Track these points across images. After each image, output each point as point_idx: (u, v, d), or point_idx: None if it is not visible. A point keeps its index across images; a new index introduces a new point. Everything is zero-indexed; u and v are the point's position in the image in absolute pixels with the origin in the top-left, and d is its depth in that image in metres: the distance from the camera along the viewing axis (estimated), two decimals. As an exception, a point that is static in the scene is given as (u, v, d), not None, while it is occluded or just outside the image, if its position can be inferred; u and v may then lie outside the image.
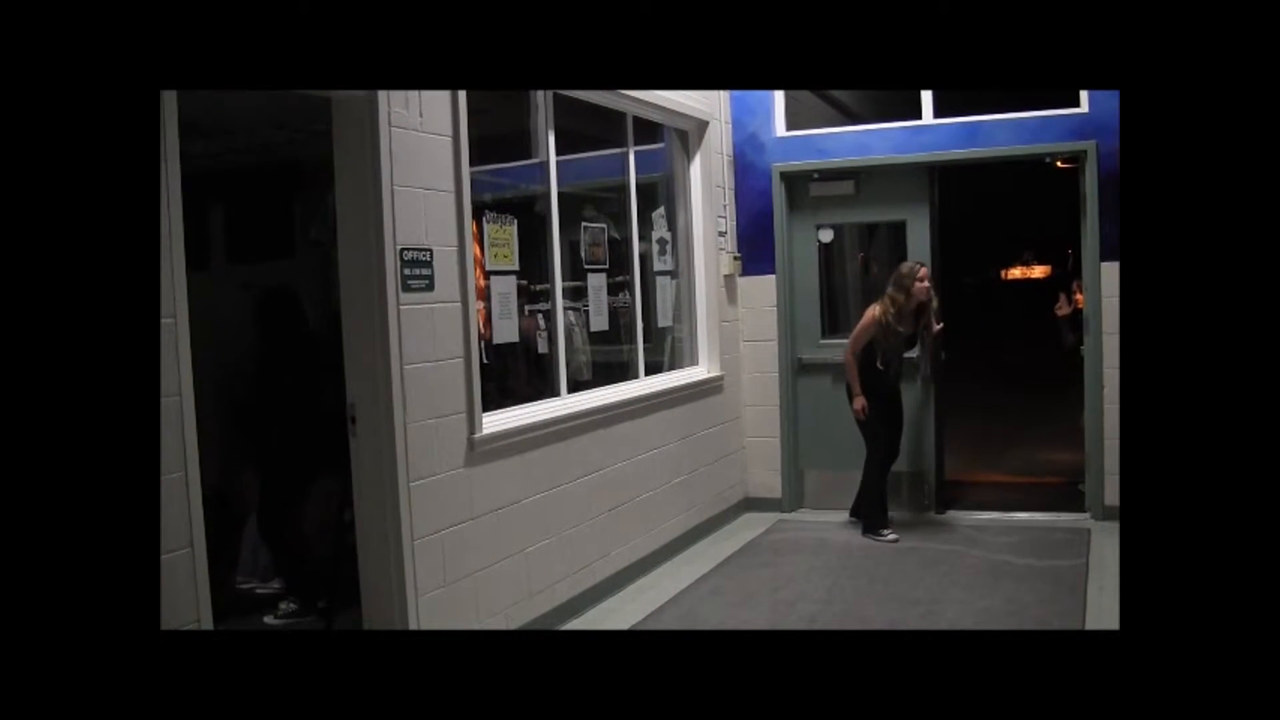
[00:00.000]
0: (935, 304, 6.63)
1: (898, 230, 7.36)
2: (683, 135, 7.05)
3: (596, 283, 6.12)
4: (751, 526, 7.16)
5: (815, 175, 7.35)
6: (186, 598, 3.33)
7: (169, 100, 3.28)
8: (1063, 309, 7.25)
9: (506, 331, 5.19)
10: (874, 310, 6.55)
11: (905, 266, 6.61)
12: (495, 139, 5.56)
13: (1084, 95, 6.61)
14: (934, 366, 7.01)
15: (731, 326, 7.41)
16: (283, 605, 5.32)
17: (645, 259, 6.67)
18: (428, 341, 4.41)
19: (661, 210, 6.91)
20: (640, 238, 6.55)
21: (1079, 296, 7.24)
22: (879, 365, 6.57)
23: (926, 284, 6.51)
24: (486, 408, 4.80)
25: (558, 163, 5.58)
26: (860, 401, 6.56)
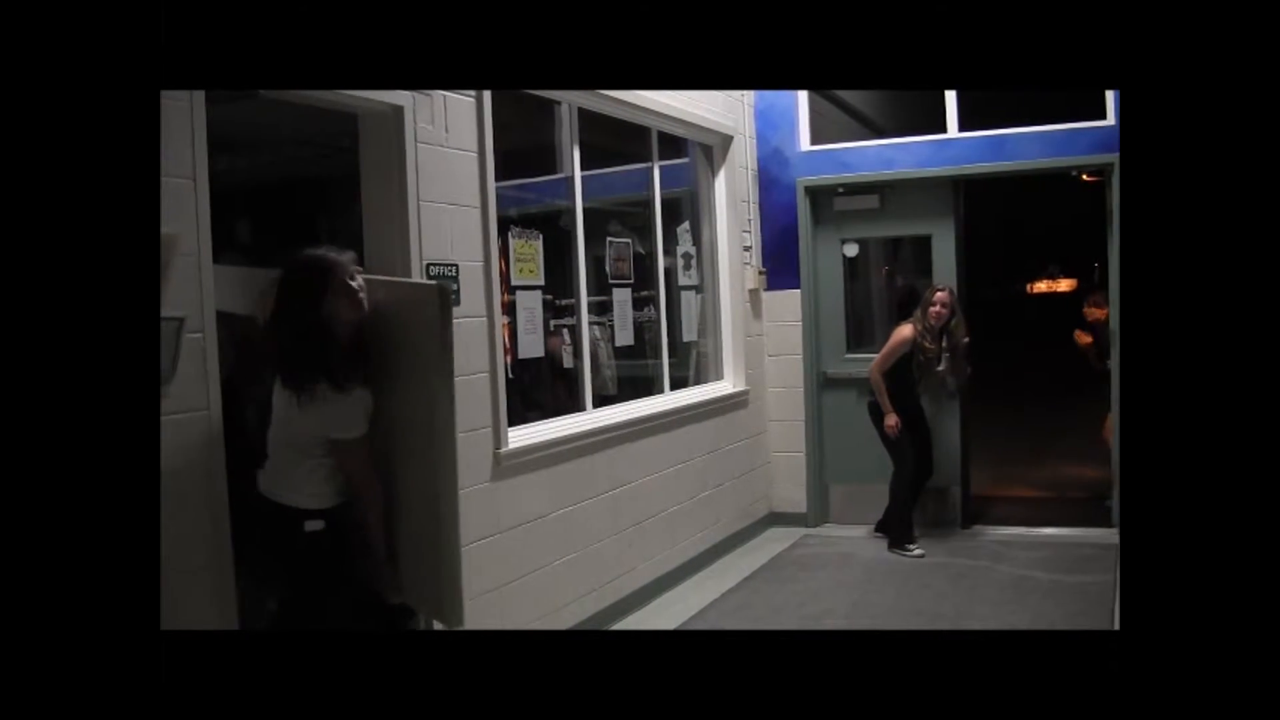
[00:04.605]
0: (958, 321, 6.62)
1: (923, 244, 7.35)
2: (707, 150, 7.06)
3: (621, 297, 6.13)
4: (777, 541, 7.14)
5: (840, 189, 7.33)
6: (211, 611, 3.33)
7: (198, 113, 3.30)
8: (1083, 338, 7.28)
9: (532, 346, 5.20)
10: (905, 330, 6.57)
11: (929, 289, 6.67)
12: (520, 154, 5.58)
13: (1110, 108, 6.57)
14: (959, 382, 6.99)
15: (756, 341, 7.40)
16: None
17: (670, 274, 6.68)
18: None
19: (686, 225, 6.92)
20: (665, 252, 6.56)
21: (1095, 311, 7.23)
22: (913, 377, 6.63)
23: (939, 307, 6.57)
24: (512, 422, 4.81)
25: (583, 178, 5.60)
26: (893, 419, 6.56)
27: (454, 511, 3.35)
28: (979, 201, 7.52)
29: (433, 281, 4.07)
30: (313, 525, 3.32)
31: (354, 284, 3.34)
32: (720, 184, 7.10)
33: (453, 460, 3.35)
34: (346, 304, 3.32)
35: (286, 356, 3.29)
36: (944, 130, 7.03)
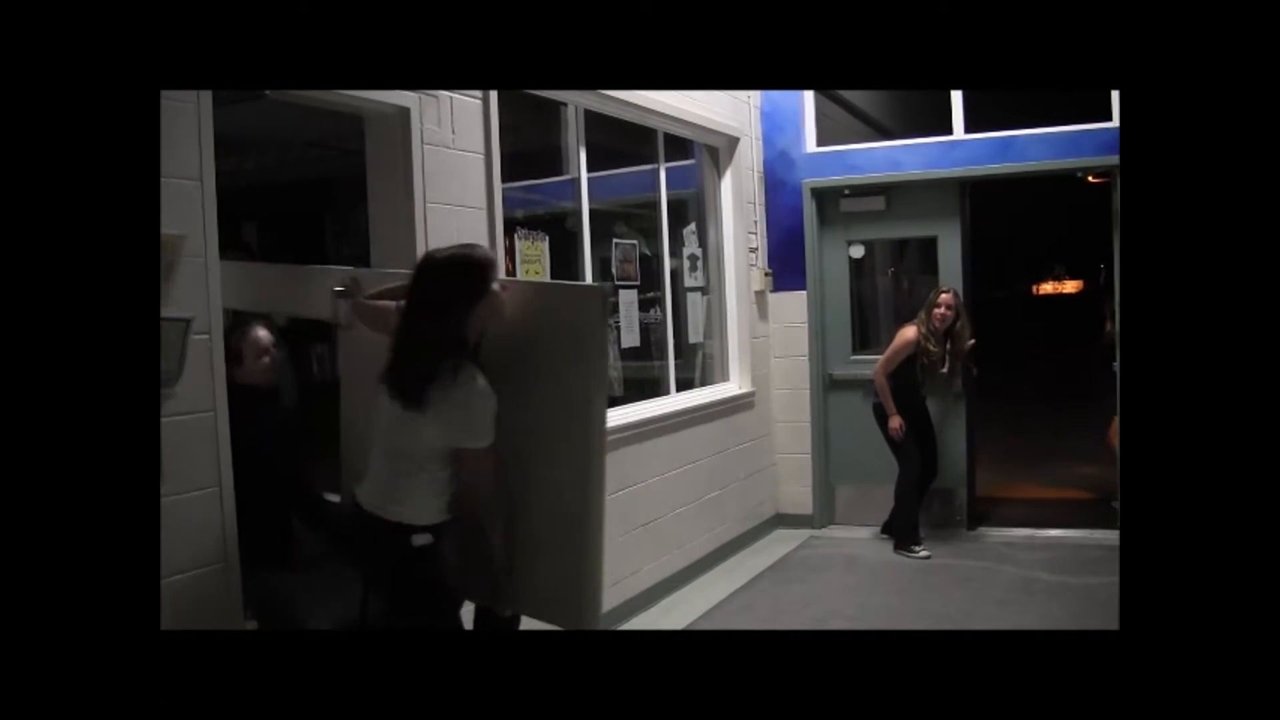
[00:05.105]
0: (963, 324, 6.61)
1: (929, 246, 7.35)
2: (713, 152, 7.05)
3: (628, 299, 6.13)
4: (783, 542, 7.13)
5: (846, 191, 7.33)
6: (218, 614, 3.33)
7: (205, 114, 3.30)
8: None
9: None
10: (908, 332, 6.56)
11: (934, 291, 6.67)
12: (527, 155, 5.58)
13: (1116, 109, 6.55)
14: (966, 383, 6.98)
15: (762, 342, 7.40)
16: None
17: (676, 275, 6.67)
18: (459, 357, 4.41)
19: (692, 226, 6.92)
20: (671, 254, 6.56)
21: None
22: (917, 379, 6.60)
23: (943, 309, 6.56)
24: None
25: (589, 179, 5.60)
26: (896, 421, 6.55)
27: (600, 514, 3.24)
28: (985, 203, 7.51)
29: (596, 284, 3.90)
30: (421, 540, 3.10)
31: (499, 290, 3.12)
32: (726, 186, 7.10)
33: (602, 463, 3.20)
34: (492, 311, 3.11)
35: (414, 363, 3.02)
36: (950, 132, 7.02)
